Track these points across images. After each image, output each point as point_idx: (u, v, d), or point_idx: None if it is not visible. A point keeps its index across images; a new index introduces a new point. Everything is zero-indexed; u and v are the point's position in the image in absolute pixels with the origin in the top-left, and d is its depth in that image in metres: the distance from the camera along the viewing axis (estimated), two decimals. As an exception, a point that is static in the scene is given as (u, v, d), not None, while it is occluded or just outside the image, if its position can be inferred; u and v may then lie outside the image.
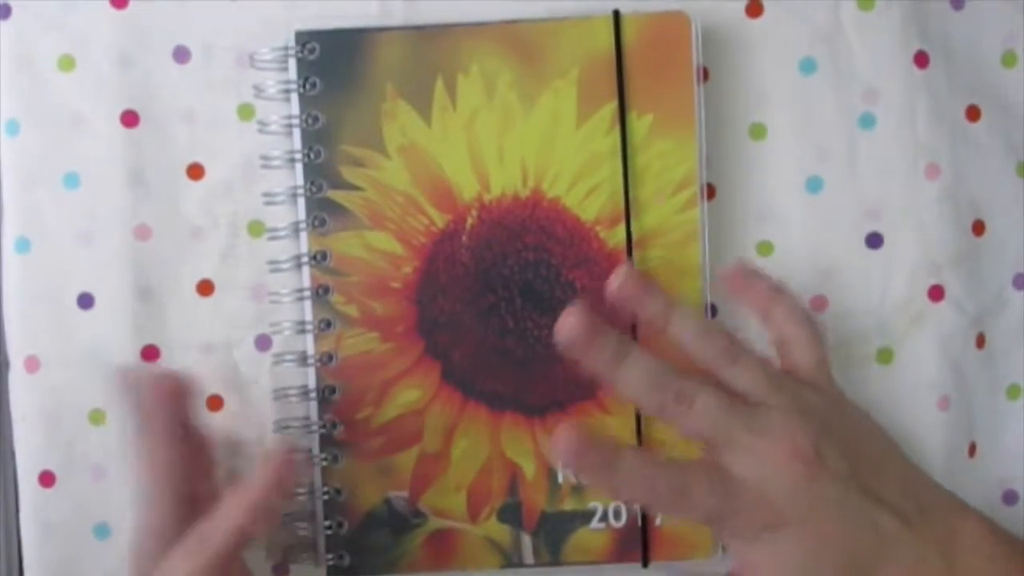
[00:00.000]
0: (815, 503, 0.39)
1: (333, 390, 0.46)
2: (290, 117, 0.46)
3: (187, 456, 0.43)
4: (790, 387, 0.41)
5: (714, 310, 0.47)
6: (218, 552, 0.40)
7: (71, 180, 0.47)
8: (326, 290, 0.46)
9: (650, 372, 0.40)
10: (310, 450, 0.46)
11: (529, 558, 0.46)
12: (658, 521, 0.46)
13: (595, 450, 0.39)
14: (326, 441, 0.46)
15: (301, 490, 0.46)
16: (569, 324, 0.40)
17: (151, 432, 0.44)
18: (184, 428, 0.44)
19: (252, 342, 0.47)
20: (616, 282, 0.42)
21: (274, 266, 0.47)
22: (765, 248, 0.47)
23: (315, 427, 0.46)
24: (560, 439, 0.39)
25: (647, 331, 0.43)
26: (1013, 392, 0.48)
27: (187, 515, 0.42)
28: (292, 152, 0.46)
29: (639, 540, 0.46)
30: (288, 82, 0.46)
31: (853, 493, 0.39)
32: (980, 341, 0.48)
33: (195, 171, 0.47)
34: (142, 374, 0.44)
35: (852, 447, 0.40)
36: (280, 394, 0.47)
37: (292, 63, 0.46)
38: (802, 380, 0.42)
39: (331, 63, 0.46)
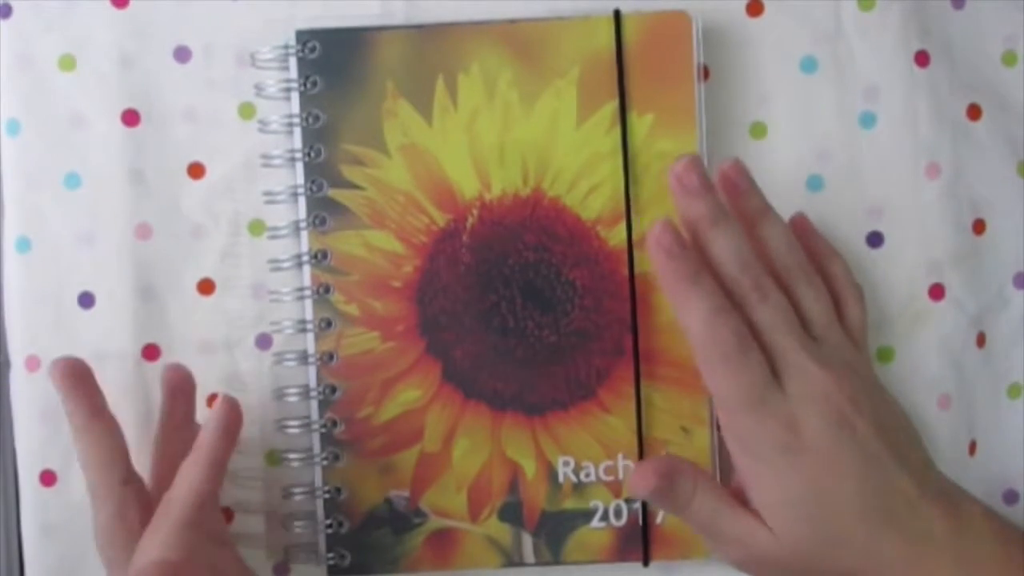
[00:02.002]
0: (840, 443, 0.39)
1: (334, 389, 0.46)
2: (291, 116, 0.46)
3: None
4: (844, 336, 0.43)
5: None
6: (179, 518, 0.41)
7: (72, 179, 0.47)
8: (327, 289, 0.46)
9: (741, 247, 0.41)
10: (309, 449, 0.46)
11: (530, 557, 0.46)
12: (659, 520, 0.46)
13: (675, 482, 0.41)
14: (327, 440, 0.46)
15: (301, 489, 0.46)
16: (683, 171, 0.40)
17: (162, 426, 0.45)
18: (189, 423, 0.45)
19: (253, 341, 0.47)
20: (725, 166, 0.43)
21: (275, 265, 0.47)
22: (766, 247, 0.47)
23: (316, 426, 0.46)
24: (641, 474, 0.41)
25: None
26: (1013, 391, 0.48)
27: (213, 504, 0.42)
28: (293, 151, 0.46)
29: (640, 539, 0.46)
30: (289, 81, 0.46)
31: (879, 447, 0.39)
32: (980, 340, 0.48)
33: (196, 170, 0.47)
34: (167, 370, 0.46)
35: (885, 411, 0.41)
36: (280, 393, 0.47)
37: (293, 62, 0.46)
38: (853, 336, 0.43)
39: (332, 62, 0.46)
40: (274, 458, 0.47)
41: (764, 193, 0.43)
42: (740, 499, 0.41)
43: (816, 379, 0.39)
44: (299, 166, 0.46)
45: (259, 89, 0.47)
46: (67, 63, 0.47)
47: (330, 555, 0.46)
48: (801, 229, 0.45)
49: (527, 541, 0.46)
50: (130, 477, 0.43)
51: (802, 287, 0.42)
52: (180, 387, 0.45)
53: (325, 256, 0.46)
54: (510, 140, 0.46)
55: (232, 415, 0.43)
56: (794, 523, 0.39)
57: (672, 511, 0.42)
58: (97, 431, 0.43)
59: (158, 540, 0.41)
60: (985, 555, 0.38)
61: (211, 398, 0.47)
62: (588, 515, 0.46)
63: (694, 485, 0.41)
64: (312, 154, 0.46)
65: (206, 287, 0.47)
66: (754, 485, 0.40)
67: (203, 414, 0.46)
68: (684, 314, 0.40)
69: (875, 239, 0.47)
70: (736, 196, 0.42)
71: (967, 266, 0.47)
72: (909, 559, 0.38)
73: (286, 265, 0.47)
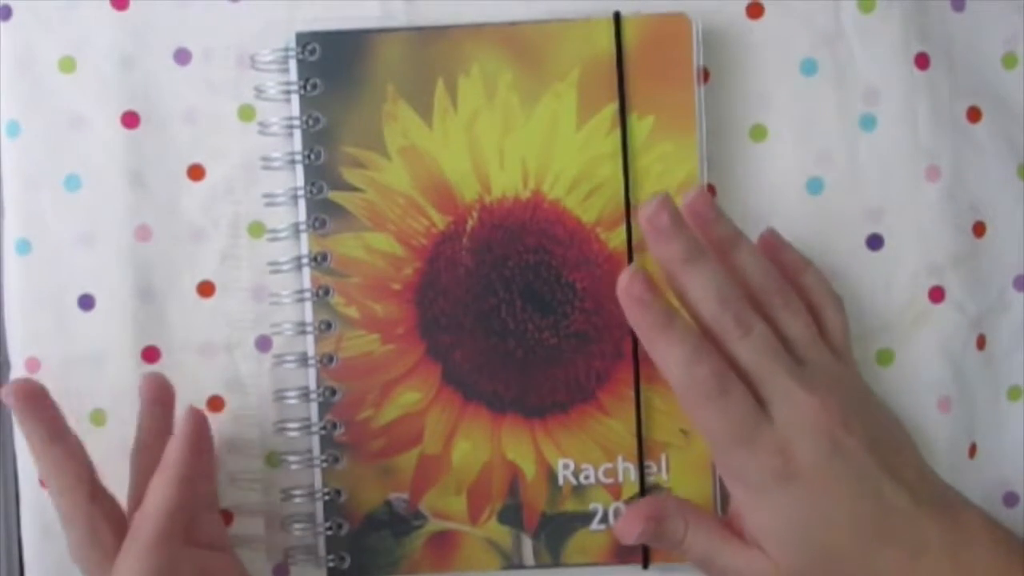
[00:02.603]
0: (833, 464, 0.39)
1: (334, 391, 0.46)
2: (291, 118, 0.46)
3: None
4: (827, 352, 0.42)
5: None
6: (148, 538, 0.40)
7: (72, 181, 0.47)
8: (326, 291, 0.46)
9: (719, 283, 0.40)
10: (309, 451, 0.46)
11: (530, 559, 0.46)
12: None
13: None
14: (326, 442, 0.46)
15: (301, 492, 0.46)
16: (653, 212, 0.40)
17: (139, 438, 0.44)
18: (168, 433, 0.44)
19: (252, 343, 0.47)
20: (689, 198, 0.42)
21: (275, 267, 0.47)
22: (766, 249, 0.47)
23: (315, 428, 0.46)
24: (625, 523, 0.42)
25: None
26: (1014, 394, 0.48)
27: (188, 517, 0.42)
28: (293, 153, 0.46)
29: (639, 541, 0.46)
30: (289, 83, 0.46)
31: (871, 465, 0.39)
32: (981, 342, 0.48)
33: (196, 172, 0.47)
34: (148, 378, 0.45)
35: (874, 423, 0.41)
36: (280, 395, 0.47)
37: (293, 64, 0.46)
38: (834, 349, 0.43)
39: (332, 64, 0.46)
40: (274, 460, 0.47)
41: (731, 220, 0.43)
42: (736, 528, 0.41)
43: (804, 404, 0.39)
44: (299, 168, 0.46)
45: (259, 91, 0.47)
46: (67, 65, 0.47)
47: (330, 557, 0.46)
48: (771, 245, 0.45)
49: (527, 543, 0.46)
50: (97, 494, 0.42)
51: (781, 311, 0.42)
52: (158, 397, 0.44)
53: (325, 258, 0.46)
54: (510, 142, 0.46)
55: (199, 428, 0.42)
56: (793, 549, 0.39)
57: (666, 549, 0.43)
58: (57, 454, 0.42)
59: (129, 563, 0.40)
60: (984, 565, 0.38)
61: (211, 400, 0.47)
62: (588, 517, 0.46)
63: (685, 524, 0.41)
64: (312, 156, 0.46)
65: (206, 289, 0.47)
66: (750, 514, 0.40)
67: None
68: (661, 360, 0.40)
69: (875, 241, 0.47)
70: (705, 227, 0.42)
71: (967, 268, 0.47)
72: (908, 573, 0.38)
73: (286, 267, 0.47)
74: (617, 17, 0.46)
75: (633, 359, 0.46)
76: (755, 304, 0.41)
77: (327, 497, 0.46)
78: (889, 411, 0.43)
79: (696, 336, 0.40)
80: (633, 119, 0.46)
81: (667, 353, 0.40)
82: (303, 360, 0.46)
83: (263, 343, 0.47)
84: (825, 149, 0.47)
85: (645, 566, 0.46)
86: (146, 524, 0.41)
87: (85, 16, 0.47)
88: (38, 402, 0.42)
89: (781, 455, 0.39)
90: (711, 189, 0.47)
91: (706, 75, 0.47)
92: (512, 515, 0.46)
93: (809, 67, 0.47)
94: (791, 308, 0.42)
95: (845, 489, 0.39)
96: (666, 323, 0.40)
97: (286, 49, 0.46)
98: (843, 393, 0.40)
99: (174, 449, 0.42)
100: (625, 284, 0.40)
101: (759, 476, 0.39)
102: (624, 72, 0.46)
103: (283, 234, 0.47)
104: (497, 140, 0.46)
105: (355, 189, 0.46)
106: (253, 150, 0.47)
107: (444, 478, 0.46)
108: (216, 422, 0.46)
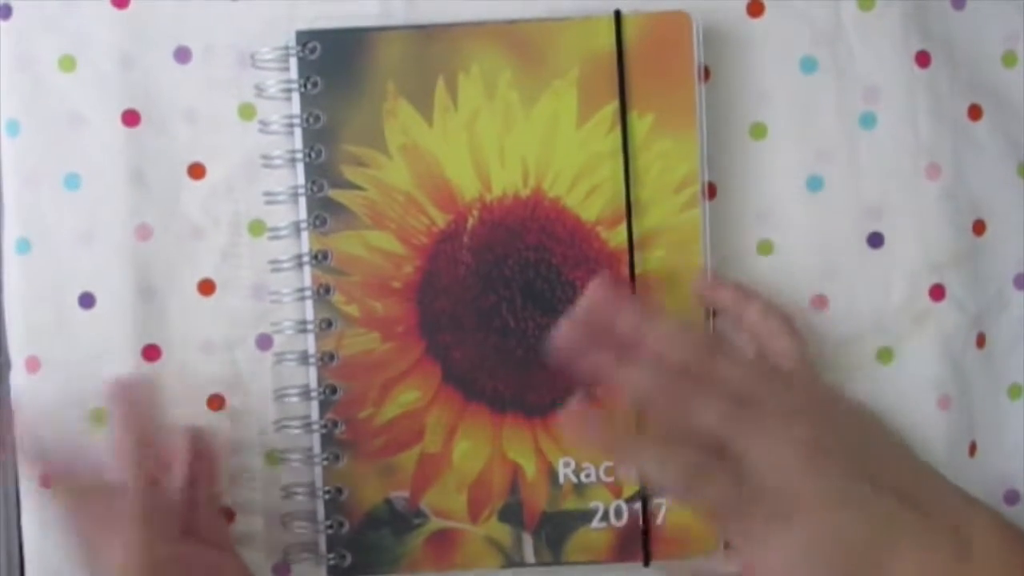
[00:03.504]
0: (821, 493, 0.39)
1: (334, 390, 0.46)
2: (291, 116, 0.46)
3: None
4: (780, 381, 0.42)
5: (715, 311, 0.46)
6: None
7: (72, 180, 0.47)
8: (327, 290, 0.46)
9: (647, 375, 0.41)
10: (310, 449, 0.46)
11: (530, 558, 0.46)
12: (659, 520, 0.46)
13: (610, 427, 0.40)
14: (327, 441, 0.46)
15: (302, 490, 0.46)
16: (562, 337, 0.41)
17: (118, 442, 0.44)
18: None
19: (253, 341, 0.47)
20: (591, 291, 0.42)
21: (275, 265, 0.47)
22: (766, 247, 0.47)
23: (316, 427, 0.46)
24: (570, 418, 0.40)
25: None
26: (1014, 392, 0.48)
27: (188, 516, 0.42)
28: (293, 151, 0.46)
29: (640, 539, 0.46)
30: (289, 81, 0.46)
31: (860, 482, 0.39)
32: (981, 340, 0.48)
33: (196, 170, 0.47)
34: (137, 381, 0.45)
35: (852, 437, 0.40)
36: (281, 393, 0.47)
37: (293, 62, 0.46)
38: (788, 374, 0.43)
39: (332, 62, 0.46)
40: (274, 458, 0.47)
41: (636, 301, 0.43)
42: None
43: (771, 445, 0.39)
44: (299, 166, 0.46)
45: (259, 90, 0.47)
46: (67, 63, 0.47)
47: (330, 555, 0.46)
48: (708, 290, 0.45)
49: (527, 541, 0.46)
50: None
51: (718, 364, 0.41)
52: (124, 399, 0.44)
53: (326, 257, 0.46)
54: (510, 140, 0.46)
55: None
56: None
57: None
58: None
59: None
60: (994, 562, 0.38)
61: (212, 399, 0.47)
62: (588, 515, 0.46)
63: None
64: (312, 154, 0.46)
65: (207, 287, 0.47)
66: (759, 561, 0.40)
67: (204, 415, 0.46)
68: (631, 469, 0.41)
69: (875, 239, 0.47)
70: (614, 315, 0.42)
71: (967, 267, 0.47)
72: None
73: (286, 265, 0.47)
74: (617, 15, 0.46)
75: (634, 357, 0.46)
76: (690, 369, 0.41)
77: (328, 495, 0.46)
78: (863, 411, 0.43)
79: (655, 440, 0.40)
80: (633, 117, 0.46)
81: (635, 462, 0.40)
82: (304, 358, 0.46)
83: (264, 341, 0.47)
84: (825, 147, 0.47)
85: (646, 563, 0.46)
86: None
87: (85, 15, 0.47)
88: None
89: (771, 499, 0.39)
90: (711, 187, 0.47)
91: (706, 73, 0.47)
92: (513, 513, 0.46)
93: (809, 65, 0.47)
94: (727, 355, 0.41)
95: (842, 517, 0.38)
96: (618, 440, 0.40)
97: (286, 47, 0.46)
98: (808, 418, 0.40)
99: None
100: (568, 422, 0.40)
101: (754, 527, 0.39)
102: (624, 70, 0.46)
103: (284, 232, 0.47)
104: (497, 138, 0.46)
105: (356, 187, 0.46)
106: (254, 148, 0.47)
107: (445, 476, 0.46)
108: (217, 420, 0.47)
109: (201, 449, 0.44)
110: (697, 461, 0.39)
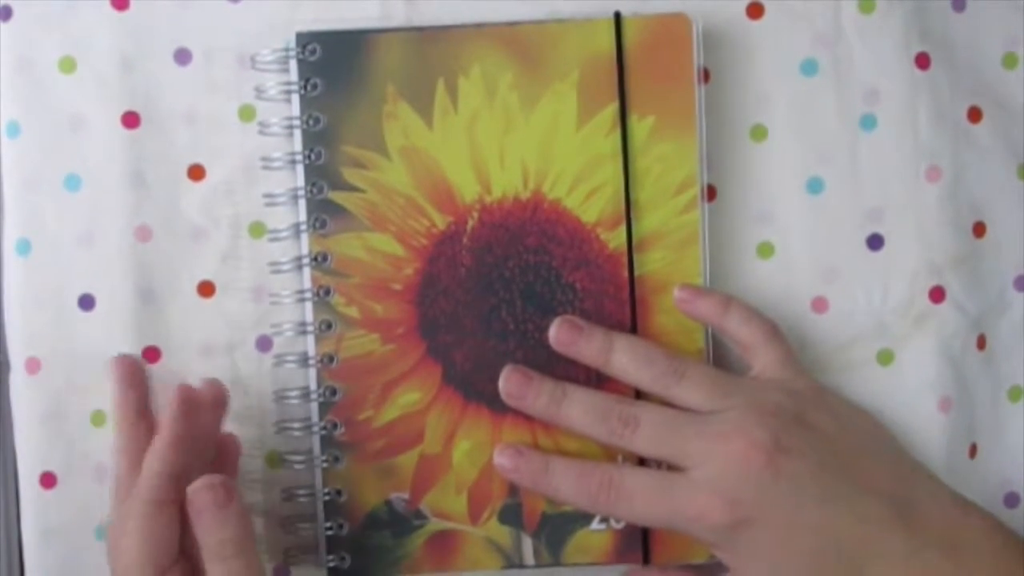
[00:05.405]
0: (783, 495, 0.39)
1: (334, 391, 0.46)
2: (291, 118, 0.46)
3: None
4: (746, 389, 0.43)
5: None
6: (144, 498, 0.41)
7: (72, 182, 0.47)
8: (327, 291, 0.46)
9: (590, 405, 0.43)
10: (310, 451, 0.46)
11: (530, 559, 0.46)
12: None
13: (528, 459, 0.44)
14: (327, 442, 0.46)
15: (302, 491, 0.46)
16: (504, 384, 0.44)
17: (118, 420, 0.44)
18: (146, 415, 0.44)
19: (253, 343, 0.47)
20: (552, 334, 0.44)
21: (275, 267, 0.47)
22: (766, 250, 0.47)
23: (316, 428, 0.46)
24: (498, 455, 0.44)
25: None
26: (1014, 394, 0.48)
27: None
28: (293, 153, 0.46)
29: (640, 540, 0.46)
30: (289, 83, 0.46)
31: (832, 482, 0.39)
32: (981, 342, 0.48)
33: (196, 172, 0.47)
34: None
35: (830, 437, 0.41)
36: (281, 395, 0.47)
37: (293, 64, 0.46)
38: (768, 379, 0.44)
39: (332, 64, 0.46)
40: (274, 460, 0.47)
41: (600, 331, 0.44)
42: None
43: (724, 450, 0.40)
44: (299, 168, 0.46)
45: (259, 91, 0.47)
46: (67, 65, 0.47)
47: (330, 557, 0.46)
48: (686, 300, 0.45)
49: (527, 543, 0.46)
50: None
51: (675, 390, 0.43)
52: (129, 378, 0.44)
53: (325, 258, 0.46)
54: (510, 142, 0.46)
55: (188, 398, 0.42)
56: None
57: None
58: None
59: (128, 522, 0.41)
60: (984, 562, 0.38)
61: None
62: (588, 517, 0.46)
63: None
64: (312, 156, 0.46)
65: (206, 289, 0.47)
66: (737, 570, 0.41)
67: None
68: (561, 497, 0.44)
69: (875, 241, 0.47)
70: (576, 349, 0.44)
71: (967, 269, 0.47)
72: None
73: (286, 267, 0.47)
74: (617, 17, 0.46)
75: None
76: (650, 394, 0.43)
77: (328, 497, 0.46)
78: (852, 412, 0.43)
79: (574, 462, 0.43)
80: (633, 119, 0.46)
81: (558, 489, 0.43)
82: (304, 360, 0.46)
83: (264, 343, 0.47)
84: (825, 149, 0.47)
85: (645, 564, 0.46)
86: (141, 486, 0.41)
87: (85, 16, 0.47)
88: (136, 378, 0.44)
89: (727, 507, 0.39)
90: (711, 189, 0.47)
91: (706, 75, 0.47)
92: (512, 515, 0.46)
93: (809, 67, 0.47)
94: (686, 378, 0.43)
95: (808, 519, 0.39)
96: (542, 467, 0.43)
97: (286, 49, 0.46)
98: (771, 420, 0.41)
99: (165, 421, 0.42)
100: (500, 462, 0.44)
101: (722, 535, 0.39)
102: (624, 72, 0.46)
103: (283, 234, 0.47)
104: (497, 140, 0.46)
105: (355, 189, 0.46)
106: (253, 150, 0.47)
107: (445, 478, 0.46)
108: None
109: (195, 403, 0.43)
110: (608, 477, 0.42)
